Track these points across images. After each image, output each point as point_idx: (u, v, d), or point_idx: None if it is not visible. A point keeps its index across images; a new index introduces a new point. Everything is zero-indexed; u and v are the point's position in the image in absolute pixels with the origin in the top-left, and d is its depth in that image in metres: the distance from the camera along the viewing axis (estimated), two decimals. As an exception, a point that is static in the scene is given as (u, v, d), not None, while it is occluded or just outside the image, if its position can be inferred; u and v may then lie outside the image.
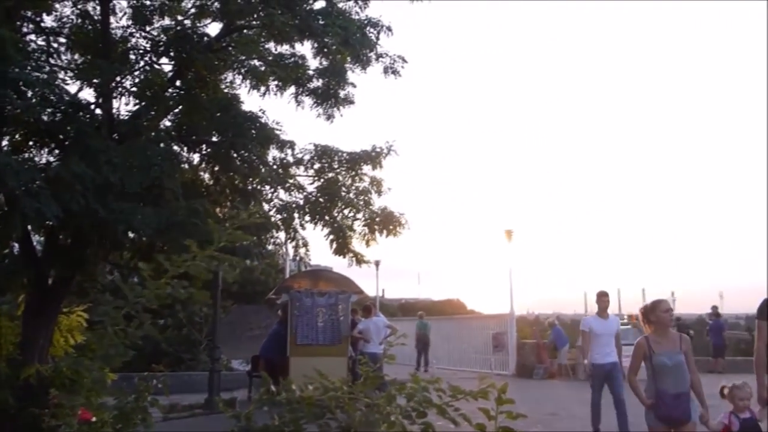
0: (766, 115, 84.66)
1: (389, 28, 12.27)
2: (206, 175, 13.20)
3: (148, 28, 12.35)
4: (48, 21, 12.22)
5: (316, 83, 12.93)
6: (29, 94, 9.41)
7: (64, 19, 12.36)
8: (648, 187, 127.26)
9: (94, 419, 3.00)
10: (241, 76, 12.53)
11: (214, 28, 12.56)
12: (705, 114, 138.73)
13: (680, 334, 6.91)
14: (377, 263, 32.57)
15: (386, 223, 13.13)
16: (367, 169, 13.31)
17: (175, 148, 12.20)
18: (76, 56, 12.62)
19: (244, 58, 12.27)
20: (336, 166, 13.26)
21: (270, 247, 13.84)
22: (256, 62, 12.46)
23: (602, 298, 10.85)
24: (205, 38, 11.94)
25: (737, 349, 27.13)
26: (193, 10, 12.54)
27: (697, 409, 6.44)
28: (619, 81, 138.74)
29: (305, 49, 12.53)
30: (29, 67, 9.63)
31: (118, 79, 11.28)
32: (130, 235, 10.03)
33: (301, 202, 12.89)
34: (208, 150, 12.53)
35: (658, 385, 6.41)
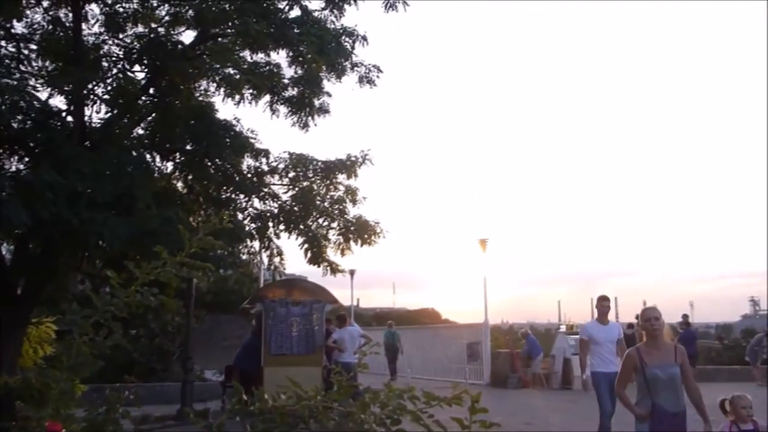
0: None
1: (365, 38, 12.29)
2: (180, 184, 13.10)
3: (121, 36, 12.29)
4: (18, 27, 12.09)
5: (291, 92, 12.92)
6: (-1, 100, 9.28)
7: (35, 26, 12.24)
8: (620, 199, 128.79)
9: (63, 431, 2.94)
10: (215, 84, 12.53)
11: (188, 36, 12.53)
12: (687, 121, 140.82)
13: (676, 345, 6.55)
14: (352, 272, 32.55)
15: (361, 232, 13.10)
16: (342, 178, 13.29)
17: (148, 156, 12.11)
18: (47, 63, 12.50)
19: (218, 66, 12.24)
20: (311, 175, 13.22)
21: (244, 257, 13.79)
22: (231, 70, 12.43)
23: (602, 302, 10.06)
24: (179, 46, 11.89)
25: (707, 358, 27.51)
26: (167, 18, 12.49)
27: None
28: (597, 83, 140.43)
29: (280, 57, 12.55)
30: (-1, 74, 9.51)
31: (90, 86, 11.17)
32: (102, 244, 9.91)
33: (276, 210, 12.83)
34: (182, 158, 12.46)
35: (654, 399, 6.08)
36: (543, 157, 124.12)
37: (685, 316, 23.92)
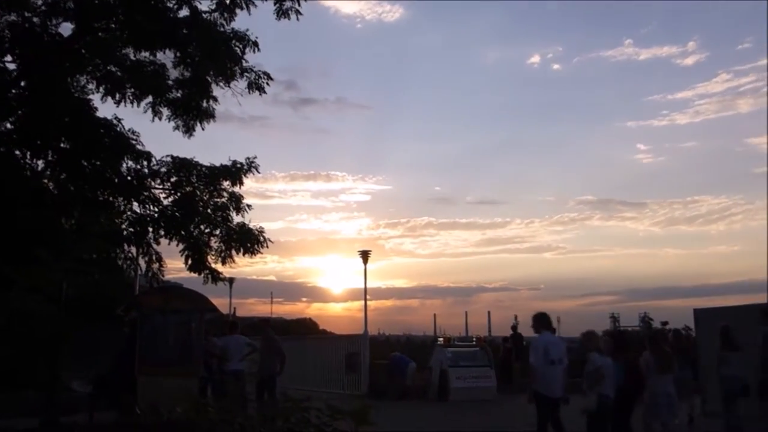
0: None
1: (255, 44, 12.17)
2: (52, 184, 12.38)
3: (-10, 23, 11.51)
4: None
5: (176, 94, 12.57)
6: None
7: None
8: (494, 212, 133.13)
9: None
10: (95, 81, 11.94)
11: (66, 29, 11.91)
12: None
13: None
14: (231, 281, 31.87)
15: (244, 240, 12.90)
16: (226, 184, 13.03)
17: (18, 153, 11.40)
18: None
19: (99, 62, 11.72)
20: (194, 181, 12.87)
21: (120, 262, 13.21)
22: (112, 67, 11.93)
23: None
24: (57, 38, 11.29)
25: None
26: (43, 7, 11.81)
27: None
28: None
29: (166, 58, 12.19)
30: None
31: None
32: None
33: (156, 215, 12.41)
34: (55, 157, 11.79)
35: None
36: (425, 167, 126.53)
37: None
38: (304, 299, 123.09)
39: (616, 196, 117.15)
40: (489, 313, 48.93)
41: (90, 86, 12.31)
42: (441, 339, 24.12)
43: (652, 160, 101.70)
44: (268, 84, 12.50)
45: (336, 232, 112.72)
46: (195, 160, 12.89)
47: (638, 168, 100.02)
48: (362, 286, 24.03)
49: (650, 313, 35.57)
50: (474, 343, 22.42)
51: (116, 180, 11.83)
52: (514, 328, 24.52)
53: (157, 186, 12.74)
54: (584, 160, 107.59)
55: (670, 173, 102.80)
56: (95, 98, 12.44)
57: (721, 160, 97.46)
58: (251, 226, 13.10)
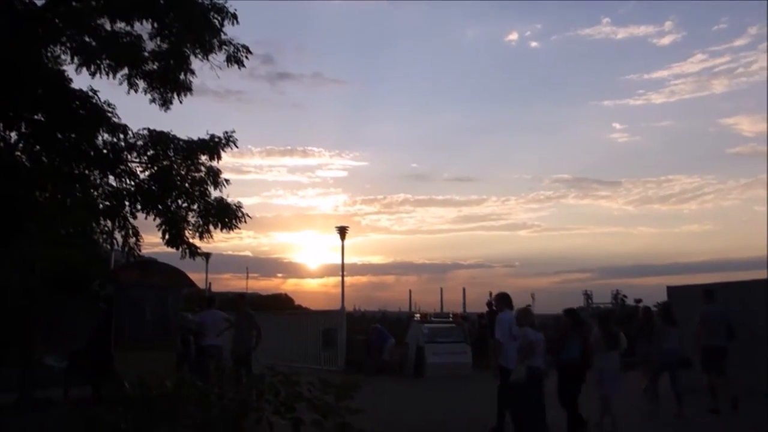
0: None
1: (234, 16, 11.97)
2: (25, 157, 12.15)
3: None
4: None
5: (152, 66, 12.36)
6: None
7: None
8: (473, 190, 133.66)
9: None
10: (70, 52, 11.69)
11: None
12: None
13: None
14: (207, 256, 31.70)
15: (222, 215, 12.81)
16: (204, 159, 12.89)
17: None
18: None
19: (73, 32, 11.46)
20: (171, 154, 12.71)
21: (95, 236, 13.06)
22: (87, 38, 11.69)
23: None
24: (30, 7, 11.02)
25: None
26: (15, -25, 11.52)
27: None
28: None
29: (142, 29, 11.95)
30: None
31: None
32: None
33: (133, 189, 12.26)
34: (29, 129, 11.56)
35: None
36: (396, 144, 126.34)
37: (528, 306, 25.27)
38: (280, 275, 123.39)
39: (591, 174, 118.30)
40: (464, 289, 49.40)
41: (64, 57, 12.06)
42: (418, 315, 24.33)
43: (628, 139, 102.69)
44: (247, 58, 12.34)
45: (312, 208, 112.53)
46: (172, 133, 12.75)
47: (614, 147, 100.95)
48: (338, 262, 24.12)
49: (624, 290, 36.26)
50: (450, 319, 22.64)
51: (92, 153, 11.64)
52: (490, 304, 24.70)
53: (133, 159, 12.57)
54: (560, 138, 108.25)
55: (645, 152, 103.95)
56: (70, 69, 12.21)
57: (694, 140, 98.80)
58: (229, 200, 13.03)
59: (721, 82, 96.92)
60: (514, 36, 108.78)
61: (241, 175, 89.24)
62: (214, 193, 12.93)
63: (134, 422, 2.27)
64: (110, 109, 12.12)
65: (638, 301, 27.94)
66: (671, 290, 14.26)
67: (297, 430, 2.39)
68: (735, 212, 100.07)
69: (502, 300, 10.15)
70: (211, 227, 12.92)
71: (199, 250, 12.91)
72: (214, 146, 12.83)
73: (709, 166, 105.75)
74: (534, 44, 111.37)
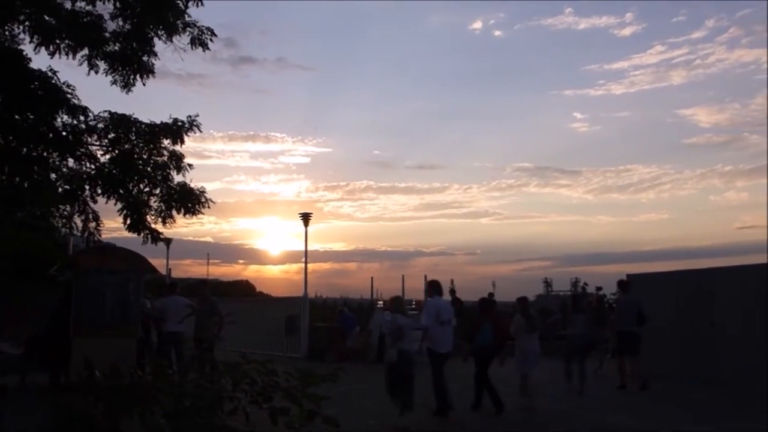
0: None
1: (199, -2, 11.76)
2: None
3: None
4: None
5: (114, 47, 12.09)
6: None
7: None
8: (436, 179, 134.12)
9: None
10: (29, 31, 11.36)
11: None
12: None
13: None
14: (168, 241, 31.28)
15: (185, 200, 12.64)
16: (167, 143, 12.68)
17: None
18: None
19: (32, 10, 11.15)
20: (133, 138, 12.47)
21: (53, 220, 12.78)
22: (47, 17, 11.37)
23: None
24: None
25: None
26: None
27: None
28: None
29: (104, 9, 11.67)
30: None
31: None
32: None
33: (93, 173, 12.00)
34: (-16, 109, 11.24)
35: None
36: (364, 131, 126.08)
37: (491, 294, 25.59)
38: (241, 261, 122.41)
39: (552, 163, 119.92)
40: (425, 277, 49.61)
41: (23, 36, 11.72)
42: (381, 302, 24.41)
43: (588, 129, 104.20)
44: (211, 40, 12.14)
45: (274, 194, 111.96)
46: (134, 116, 12.50)
47: (574, 136, 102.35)
48: (300, 248, 24.03)
49: (584, 278, 36.81)
50: (413, 306, 22.74)
51: (51, 135, 11.36)
52: (453, 292, 24.93)
53: (94, 142, 12.30)
54: (522, 127, 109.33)
55: (605, 142, 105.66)
56: (28, 49, 11.86)
57: (653, 130, 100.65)
58: (192, 185, 12.86)
59: (678, 73, 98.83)
60: (478, 24, 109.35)
61: (203, 159, 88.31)
62: (177, 178, 12.74)
63: (105, 410, 2.22)
64: (70, 91, 11.83)
65: (599, 288, 28.49)
66: (630, 278, 14.57)
67: (275, 420, 2.37)
68: (690, 201, 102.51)
69: (433, 287, 10.75)
70: (174, 212, 12.73)
71: (161, 236, 12.72)
72: (177, 130, 12.61)
73: (666, 156, 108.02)
74: (497, 33, 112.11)
